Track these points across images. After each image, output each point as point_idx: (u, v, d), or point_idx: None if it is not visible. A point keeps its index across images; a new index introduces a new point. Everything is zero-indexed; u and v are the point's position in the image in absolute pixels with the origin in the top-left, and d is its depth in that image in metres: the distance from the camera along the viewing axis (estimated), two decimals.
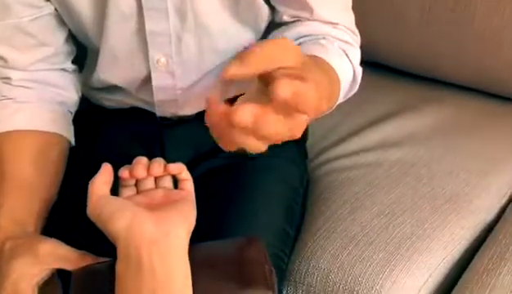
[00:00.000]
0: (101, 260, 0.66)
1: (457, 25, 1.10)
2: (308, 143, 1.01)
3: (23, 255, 0.66)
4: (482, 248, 0.89)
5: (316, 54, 0.71)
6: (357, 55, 0.80)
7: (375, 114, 1.13)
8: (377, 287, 0.80)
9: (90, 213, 0.65)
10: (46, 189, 0.77)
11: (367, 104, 1.14)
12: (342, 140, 1.07)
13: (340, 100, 0.76)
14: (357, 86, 0.81)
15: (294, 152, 0.93)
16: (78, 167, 0.83)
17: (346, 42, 0.79)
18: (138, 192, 0.69)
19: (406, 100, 1.15)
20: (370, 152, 1.02)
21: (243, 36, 0.82)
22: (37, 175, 0.77)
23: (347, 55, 0.77)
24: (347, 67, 0.77)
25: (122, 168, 0.68)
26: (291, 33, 0.79)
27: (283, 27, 0.81)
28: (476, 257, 0.87)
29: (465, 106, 1.15)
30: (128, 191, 0.69)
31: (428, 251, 0.85)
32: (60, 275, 0.70)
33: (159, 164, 0.67)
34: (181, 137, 0.89)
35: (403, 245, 0.85)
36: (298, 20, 0.79)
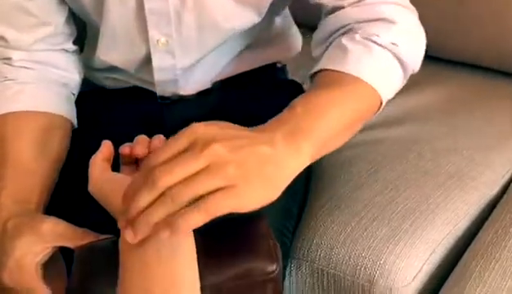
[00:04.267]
0: (104, 237, 0.66)
1: (460, 2, 1.09)
2: None
3: (26, 233, 0.66)
4: (486, 223, 0.88)
5: (331, 66, 0.70)
6: (395, 32, 0.73)
7: None
8: (380, 262, 0.80)
9: (91, 189, 0.65)
10: (48, 170, 0.77)
11: None
12: None
13: (387, 91, 0.72)
14: (411, 62, 0.75)
15: None
16: (79, 147, 0.83)
17: (379, 19, 0.74)
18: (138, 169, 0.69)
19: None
20: (372, 130, 1.02)
21: (244, 16, 0.82)
22: (39, 157, 0.77)
23: (375, 42, 0.72)
24: (376, 58, 0.72)
25: (122, 145, 0.68)
26: (323, 33, 0.78)
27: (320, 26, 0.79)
28: (481, 231, 0.87)
29: (468, 83, 1.14)
30: (129, 169, 0.69)
31: (431, 226, 0.85)
32: (63, 253, 0.70)
33: (159, 141, 0.67)
34: (182, 116, 0.88)
35: (407, 220, 0.85)
36: (328, 14, 0.77)
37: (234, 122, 0.87)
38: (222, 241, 0.60)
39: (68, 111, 0.83)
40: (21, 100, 0.79)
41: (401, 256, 0.81)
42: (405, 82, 0.77)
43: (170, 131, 0.88)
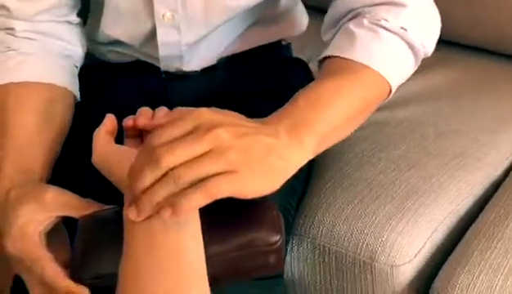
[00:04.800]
0: (108, 207, 0.66)
1: None
2: None
3: (29, 201, 0.66)
4: (489, 202, 0.88)
5: (339, 53, 0.70)
6: (405, 16, 0.71)
7: None
8: (382, 239, 0.80)
9: (95, 161, 0.65)
10: (51, 142, 0.77)
11: None
12: None
13: (397, 78, 0.71)
14: (423, 47, 0.73)
15: None
16: (82, 121, 0.83)
17: (388, 3, 0.72)
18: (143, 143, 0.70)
19: None
20: (377, 111, 0.99)
21: None
22: (42, 128, 0.77)
23: (383, 27, 0.70)
24: (385, 44, 0.70)
25: (126, 118, 0.68)
26: (332, 17, 0.77)
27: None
28: (484, 211, 0.87)
29: (474, 67, 1.14)
30: (133, 142, 0.69)
31: (434, 205, 0.85)
32: (66, 224, 0.71)
33: (162, 113, 0.67)
34: (187, 92, 0.89)
35: (409, 199, 0.85)
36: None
37: (238, 99, 0.88)
38: (226, 212, 0.60)
39: (71, 83, 0.83)
40: (24, 70, 0.78)
41: (404, 233, 0.81)
42: (416, 67, 0.76)
43: (173, 107, 0.89)
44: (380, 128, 0.98)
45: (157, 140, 0.56)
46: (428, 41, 0.74)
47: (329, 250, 0.83)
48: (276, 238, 0.61)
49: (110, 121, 0.68)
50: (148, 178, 0.55)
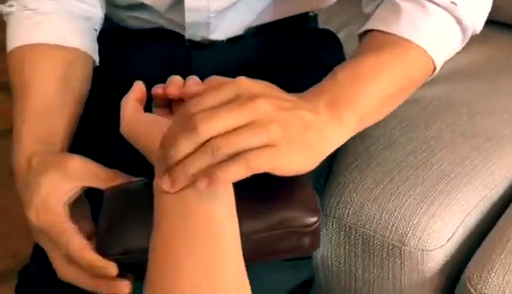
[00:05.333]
0: (135, 179, 0.63)
1: None
2: None
3: (52, 170, 0.63)
4: None
5: (382, 26, 0.66)
6: None
7: None
8: (414, 222, 0.77)
9: (124, 130, 0.62)
10: (70, 107, 0.73)
11: None
12: None
13: (442, 56, 0.67)
14: (472, 24, 0.69)
15: None
16: (102, 87, 0.80)
17: None
18: (173, 113, 0.66)
19: None
20: None
21: None
22: (61, 92, 0.73)
23: (431, 0, 0.66)
24: (432, 19, 0.66)
25: (156, 86, 0.65)
26: None
27: None
28: None
29: (508, 44, 1.09)
30: (162, 112, 0.66)
31: (467, 189, 0.81)
32: (87, 196, 0.67)
33: (193, 82, 0.64)
34: (211, 62, 0.85)
35: (441, 181, 0.81)
36: None
37: (264, 70, 0.84)
38: (260, 188, 0.57)
39: (91, 47, 0.79)
40: (42, 31, 0.75)
41: (435, 217, 0.77)
42: (464, 44, 0.72)
43: (198, 76, 0.84)
44: (410, 106, 0.94)
45: (195, 108, 0.53)
46: (478, 18, 0.70)
47: (355, 231, 0.80)
48: (314, 218, 0.58)
49: (139, 88, 0.64)
50: (184, 147, 0.52)
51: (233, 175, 0.51)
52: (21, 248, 0.93)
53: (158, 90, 0.64)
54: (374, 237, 0.79)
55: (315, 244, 0.60)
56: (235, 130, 0.52)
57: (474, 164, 0.84)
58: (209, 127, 0.52)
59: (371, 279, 0.82)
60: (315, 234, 0.59)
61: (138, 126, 0.61)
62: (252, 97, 0.53)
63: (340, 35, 0.98)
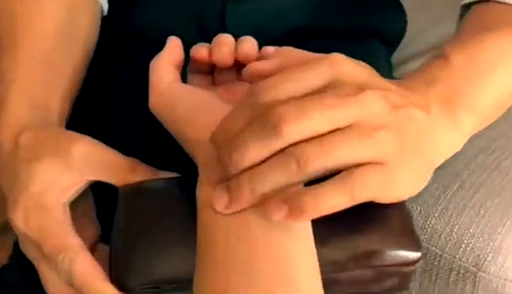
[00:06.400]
0: (162, 174, 0.46)
1: None
2: None
3: (49, 156, 0.46)
4: None
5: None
6: None
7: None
8: (495, 243, 0.62)
9: (154, 106, 0.45)
10: (74, 64, 0.56)
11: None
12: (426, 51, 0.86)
13: None
14: None
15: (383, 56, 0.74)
16: (111, 44, 0.63)
17: None
18: (215, 84, 0.50)
19: None
20: None
21: None
22: (61, 45, 0.56)
23: None
24: None
25: (197, 46, 0.48)
26: None
27: None
28: None
29: None
30: (203, 81, 0.49)
31: None
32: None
33: (250, 45, 0.47)
34: (250, 20, 0.67)
35: None
36: None
37: (312, 36, 0.67)
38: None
39: None
40: None
41: None
42: None
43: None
44: None
45: (271, 95, 0.37)
46: None
47: None
48: (418, 254, 0.43)
49: (175, 46, 0.47)
50: (255, 152, 0.36)
51: (330, 207, 0.36)
52: None
53: (200, 51, 0.47)
54: (441, 256, 0.64)
55: (405, 286, 0.45)
56: (329, 135, 0.37)
57: None
58: (298, 129, 0.36)
59: None
60: (410, 275, 0.44)
61: (176, 102, 0.44)
62: (356, 87, 0.38)
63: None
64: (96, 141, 0.47)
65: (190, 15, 0.67)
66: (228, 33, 0.65)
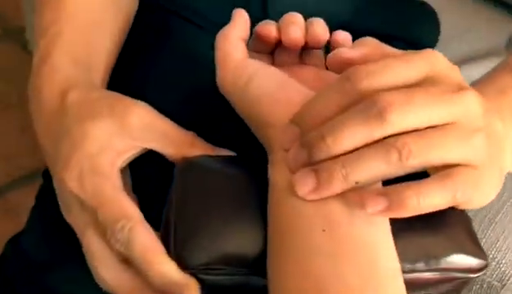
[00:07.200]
0: (222, 152, 0.44)
1: None
2: None
3: (104, 117, 0.43)
4: None
5: None
6: None
7: (479, 47, 0.92)
8: None
9: (224, 83, 0.42)
10: (117, 26, 0.54)
11: (470, 33, 0.93)
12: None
13: None
14: None
15: None
16: (149, 17, 0.60)
17: None
18: (275, 65, 0.47)
19: None
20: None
21: None
22: (106, 5, 0.53)
23: None
24: None
25: (264, 23, 0.46)
26: None
27: None
28: None
29: None
30: (261, 60, 0.47)
31: None
32: None
33: (323, 28, 0.45)
34: (289, 8, 0.65)
35: None
36: None
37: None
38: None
39: None
40: None
41: None
42: None
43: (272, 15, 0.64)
44: None
45: (376, 81, 0.36)
46: None
47: None
48: (484, 261, 0.42)
49: (243, 19, 0.45)
50: (353, 138, 0.35)
51: (431, 206, 0.36)
52: None
53: (267, 29, 0.45)
54: None
55: (459, 292, 0.44)
56: (429, 131, 0.36)
57: None
58: (403, 118, 0.35)
59: None
60: (468, 282, 0.43)
61: (250, 79, 0.41)
62: (456, 85, 0.37)
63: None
64: (153, 109, 0.44)
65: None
66: (268, 13, 0.64)
